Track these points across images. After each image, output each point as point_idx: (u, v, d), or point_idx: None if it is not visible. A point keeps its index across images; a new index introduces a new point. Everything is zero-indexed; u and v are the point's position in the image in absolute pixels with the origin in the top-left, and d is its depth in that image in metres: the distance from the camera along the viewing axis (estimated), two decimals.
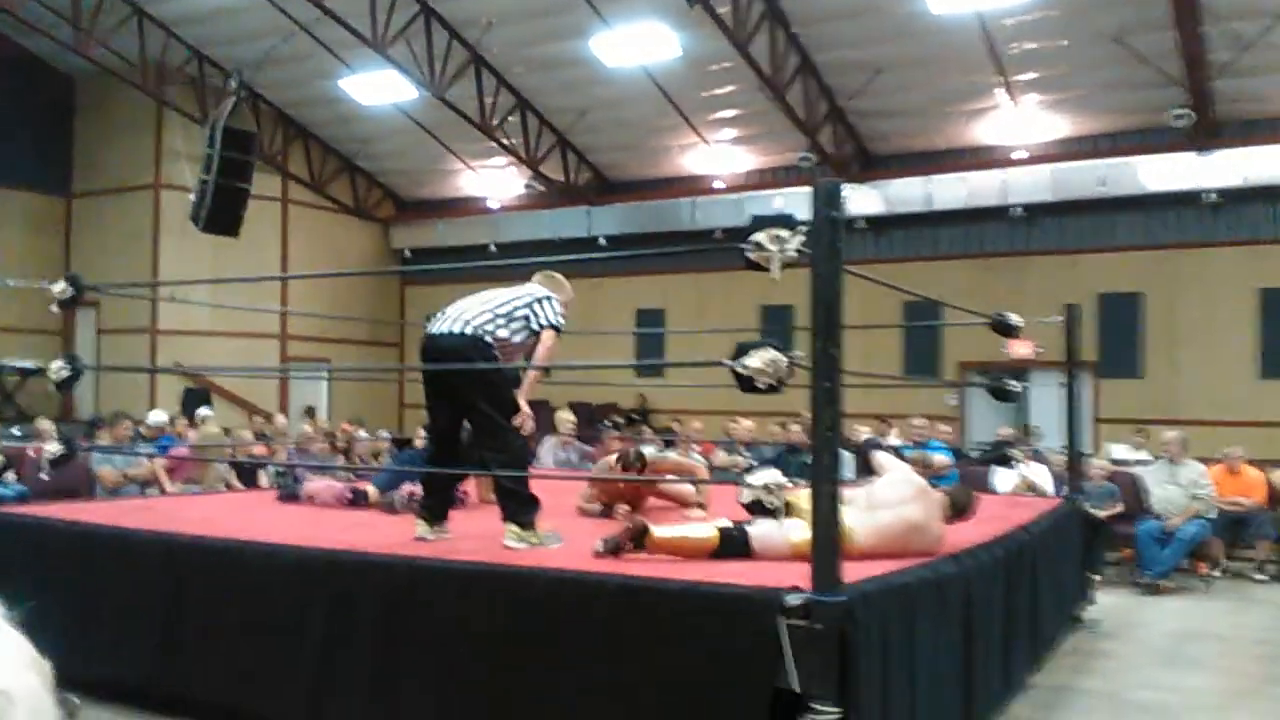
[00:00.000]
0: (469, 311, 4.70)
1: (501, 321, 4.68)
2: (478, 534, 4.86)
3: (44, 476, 8.23)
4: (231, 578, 4.46)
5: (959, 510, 4.52)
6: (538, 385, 4.91)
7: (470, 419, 4.72)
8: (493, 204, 18.50)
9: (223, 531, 4.87)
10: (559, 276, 5.12)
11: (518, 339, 4.73)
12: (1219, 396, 13.18)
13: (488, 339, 4.63)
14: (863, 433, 9.96)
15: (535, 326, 4.73)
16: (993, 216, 14.62)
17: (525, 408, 4.68)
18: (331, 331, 17.71)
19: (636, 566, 3.92)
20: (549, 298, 4.85)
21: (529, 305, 4.77)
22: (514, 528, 4.51)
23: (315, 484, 6.34)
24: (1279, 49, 11.75)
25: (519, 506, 4.57)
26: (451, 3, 13.90)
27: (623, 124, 15.92)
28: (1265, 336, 13.13)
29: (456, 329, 4.63)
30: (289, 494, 6.37)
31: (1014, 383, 7.01)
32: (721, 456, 10.14)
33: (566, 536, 4.63)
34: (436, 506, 4.78)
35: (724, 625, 3.41)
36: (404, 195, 19.68)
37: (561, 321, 4.80)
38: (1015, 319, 6.78)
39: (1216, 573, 8.80)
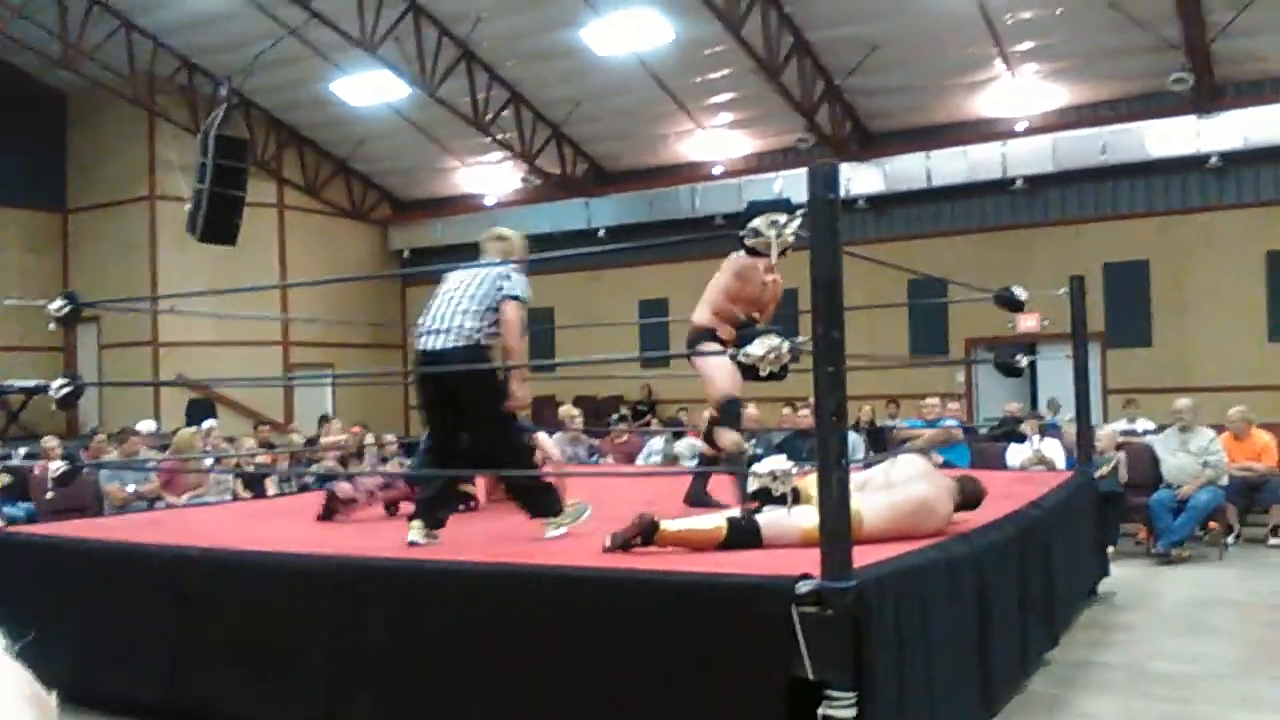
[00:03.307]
0: (451, 317, 4.62)
1: (486, 315, 4.62)
2: (484, 535, 4.83)
3: (50, 495, 8.20)
4: (238, 589, 4.42)
5: (969, 502, 4.49)
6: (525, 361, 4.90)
7: (473, 424, 4.69)
8: (490, 200, 18.44)
9: (228, 542, 4.84)
10: (506, 233, 5.03)
11: (496, 324, 4.68)
12: (1229, 361, 13.09)
13: (483, 341, 4.60)
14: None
15: (494, 303, 4.64)
16: (994, 190, 14.53)
17: (526, 394, 4.75)
18: (333, 336, 17.71)
19: (646, 560, 3.88)
20: (508, 275, 4.71)
21: (495, 287, 4.65)
22: (548, 520, 4.61)
23: (344, 487, 6.03)
24: (1276, 7, 11.63)
25: (541, 500, 4.67)
26: None
27: (618, 113, 15.83)
28: (1273, 299, 13.04)
29: (452, 343, 4.59)
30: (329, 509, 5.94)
31: (1020, 357, 6.95)
32: None
33: (574, 534, 4.59)
34: (436, 511, 4.71)
35: (736, 616, 3.36)
36: (400, 195, 19.63)
37: (520, 292, 4.68)
38: (1020, 292, 6.71)
39: (1230, 539, 8.74)
